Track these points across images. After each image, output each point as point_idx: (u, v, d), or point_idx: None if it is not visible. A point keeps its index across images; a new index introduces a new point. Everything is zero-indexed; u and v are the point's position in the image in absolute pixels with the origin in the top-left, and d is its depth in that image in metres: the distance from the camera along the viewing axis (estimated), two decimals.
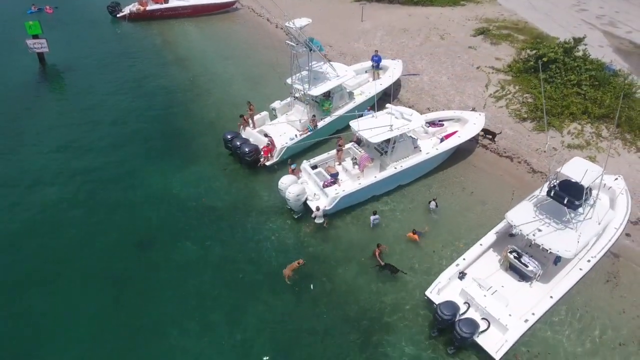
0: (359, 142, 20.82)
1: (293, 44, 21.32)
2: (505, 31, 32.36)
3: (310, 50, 21.57)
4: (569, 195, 14.20)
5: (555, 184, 14.94)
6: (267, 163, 21.76)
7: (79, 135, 25.15)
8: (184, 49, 34.25)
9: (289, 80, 23.04)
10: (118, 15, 38.83)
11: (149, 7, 38.40)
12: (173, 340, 15.23)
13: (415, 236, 17.93)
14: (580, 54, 26.04)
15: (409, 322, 15.58)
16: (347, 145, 20.89)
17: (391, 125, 18.91)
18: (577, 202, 14.25)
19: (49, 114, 27.30)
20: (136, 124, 26.07)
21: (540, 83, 21.14)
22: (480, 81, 27.31)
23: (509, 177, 21.08)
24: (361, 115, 20.39)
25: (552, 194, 14.56)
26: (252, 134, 22.80)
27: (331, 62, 23.85)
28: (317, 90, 22.09)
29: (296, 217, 19.34)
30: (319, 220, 18.49)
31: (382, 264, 16.90)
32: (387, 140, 19.61)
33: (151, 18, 38.82)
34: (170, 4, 38.67)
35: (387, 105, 20.33)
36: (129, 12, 38.32)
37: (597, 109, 23.15)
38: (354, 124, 19.55)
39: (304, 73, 22.33)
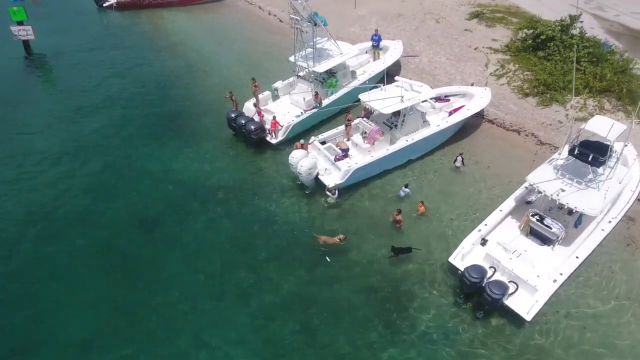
0: (368, 117, 20.44)
1: (297, 18, 20.77)
2: (499, 14, 32.62)
3: (315, 25, 21.10)
4: (594, 153, 14.07)
5: (576, 143, 14.83)
6: (274, 142, 21.19)
7: (72, 121, 24.08)
8: (176, 36, 33.36)
9: (291, 58, 22.52)
10: (104, 5, 37.63)
11: None
12: (186, 318, 14.54)
13: (422, 208, 17.62)
14: (576, 32, 26.34)
15: (432, 290, 15.24)
16: (356, 121, 20.49)
17: (402, 97, 18.61)
18: (601, 159, 14.14)
19: (39, 102, 26.11)
20: (132, 109, 25.14)
21: (573, 59, 20.30)
22: (479, 61, 27.37)
23: (519, 150, 21.03)
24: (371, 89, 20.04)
25: (575, 152, 14.41)
26: (252, 111, 22.20)
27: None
28: (322, 67, 21.65)
29: (308, 192, 18.82)
30: (331, 200, 18.07)
31: (398, 226, 17.06)
32: (397, 114, 19.34)
33: (139, 7, 37.77)
34: None
35: (396, 77, 20.03)
36: (115, 1, 37.20)
37: (598, 83, 23.39)
38: (364, 96, 19.17)
39: (308, 50, 21.86)
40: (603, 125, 14.26)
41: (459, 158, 19.55)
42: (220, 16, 36.80)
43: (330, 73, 22.47)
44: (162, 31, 34.50)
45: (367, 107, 19.30)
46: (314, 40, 21.36)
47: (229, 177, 20.24)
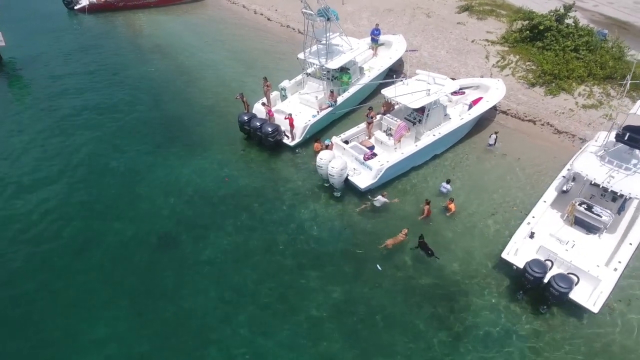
0: (387, 113, 19.69)
1: (310, 12, 19.73)
2: (487, 7, 32.83)
3: (328, 19, 20.15)
4: None
5: (620, 129, 14.68)
6: (291, 143, 20.12)
7: (61, 135, 21.83)
8: (160, 38, 31.40)
9: (301, 55, 21.47)
10: (76, 8, 34.98)
11: None
12: (227, 342, 13.33)
13: (452, 206, 17.03)
14: (570, 21, 26.76)
15: (486, 288, 14.75)
16: (377, 117, 19.73)
17: (428, 90, 18.02)
18: None
19: (18, 117, 23.34)
20: (125, 117, 23.26)
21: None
22: (478, 53, 27.28)
23: (538, 140, 20.97)
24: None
25: (626, 137, 14.23)
26: (263, 112, 21.07)
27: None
28: (335, 63, 20.75)
29: (337, 195, 17.89)
30: (377, 204, 17.08)
31: (423, 217, 16.69)
32: (420, 109, 18.74)
33: (113, 9, 35.44)
34: None
35: (418, 71, 19.45)
36: (88, 3, 34.68)
37: (600, 71, 23.71)
38: (388, 91, 18.43)
39: (319, 46, 20.89)
40: None
41: (493, 136, 19.74)
42: (203, 16, 35.06)
43: (343, 69, 21.60)
44: (144, 33, 32.47)
45: (393, 102, 18.59)
46: (327, 35, 20.41)
47: (247, 184, 19.01)
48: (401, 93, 18.05)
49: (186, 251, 16.23)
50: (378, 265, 15.27)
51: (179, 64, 28.09)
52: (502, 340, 13.31)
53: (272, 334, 13.57)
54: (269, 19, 33.45)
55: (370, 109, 19.28)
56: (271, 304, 14.46)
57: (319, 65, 20.73)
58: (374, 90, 23.81)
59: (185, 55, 28.82)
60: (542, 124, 21.86)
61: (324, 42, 20.81)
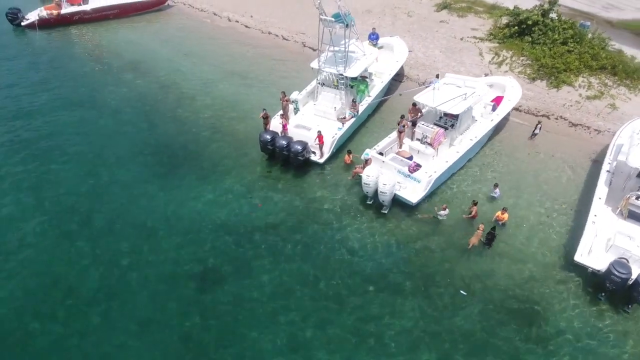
0: (414, 122, 18.86)
1: (331, 19, 18.45)
2: (464, 4, 33.16)
3: (347, 26, 18.99)
4: None
5: None
6: (321, 160, 18.74)
7: (44, 175, 18.76)
8: (131, 53, 28.34)
9: (314, 64, 20.15)
10: (23, 24, 30.70)
11: (64, 11, 31.12)
12: None
13: (505, 216, 16.41)
14: (554, 15, 27.55)
15: (562, 295, 14.40)
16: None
17: (465, 94, 17.47)
18: None
19: None
20: (118, 147, 20.40)
21: None
22: (470, 51, 27.35)
23: (558, 134, 21.18)
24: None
25: None
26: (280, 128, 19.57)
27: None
28: (354, 71, 19.67)
29: (385, 212, 16.84)
30: (441, 217, 16.38)
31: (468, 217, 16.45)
32: (450, 114, 18.14)
33: (68, 23, 31.65)
34: (92, 5, 31.74)
35: (447, 74, 18.84)
36: (37, 18, 30.67)
37: (594, 62, 24.49)
38: (423, 98, 17.64)
39: (330, 54, 19.69)
40: None
41: (539, 126, 20.31)
42: (172, 26, 32.31)
43: (362, 77, 20.54)
44: (109, 49, 29.21)
45: (422, 107, 17.87)
46: (347, 42, 19.23)
47: (279, 209, 17.44)
48: (439, 99, 17.34)
49: (226, 292, 14.44)
50: (462, 291, 14.40)
51: (160, 81, 25.44)
52: (593, 348, 12.98)
53: None
54: (246, 26, 31.57)
55: (402, 117, 18.41)
56: (344, 343, 13.16)
57: (337, 74, 19.52)
58: (384, 96, 23.05)
59: (166, 71, 26.19)
60: (556, 118, 22.13)
61: (338, 49, 19.61)
